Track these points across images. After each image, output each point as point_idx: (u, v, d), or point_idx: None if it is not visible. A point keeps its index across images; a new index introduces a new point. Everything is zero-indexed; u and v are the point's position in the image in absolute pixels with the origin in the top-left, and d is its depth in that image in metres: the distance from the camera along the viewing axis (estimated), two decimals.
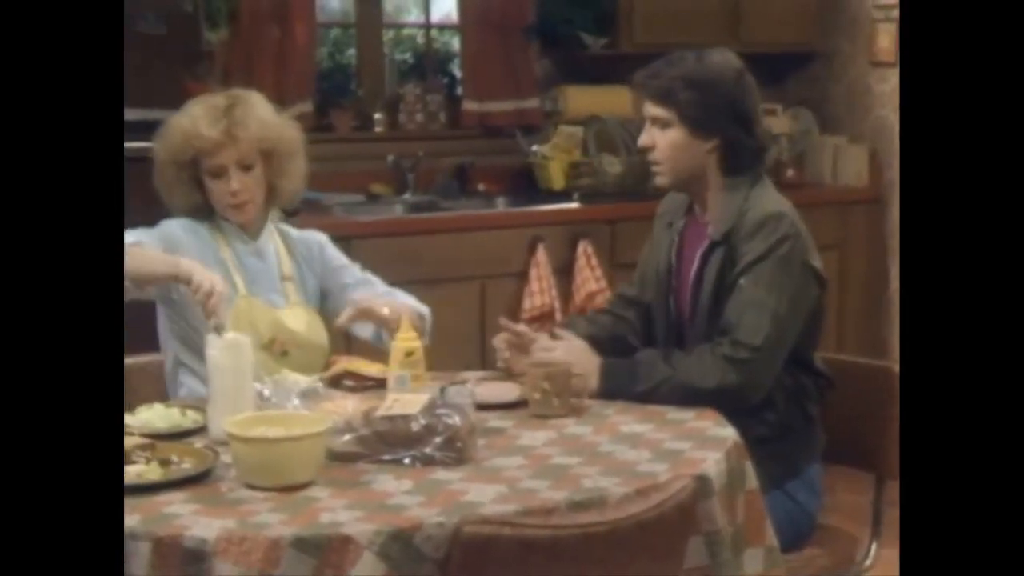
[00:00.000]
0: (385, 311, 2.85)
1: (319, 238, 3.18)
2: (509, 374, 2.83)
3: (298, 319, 2.99)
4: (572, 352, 2.77)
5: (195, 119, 2.92)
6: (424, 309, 3.08)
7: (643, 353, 2.81)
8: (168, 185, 2.99)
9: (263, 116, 2.98)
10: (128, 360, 2.61)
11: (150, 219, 3.02)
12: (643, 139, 2.83)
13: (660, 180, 2.84)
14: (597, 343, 2.83)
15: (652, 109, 2.79)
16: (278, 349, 2.88)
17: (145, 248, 2.80)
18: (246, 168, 2.94)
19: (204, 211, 3.01)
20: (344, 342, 3.99)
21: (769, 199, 2.78)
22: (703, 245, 2.80)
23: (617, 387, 2.68)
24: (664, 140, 2.78)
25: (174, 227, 2.98)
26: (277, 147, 2.99)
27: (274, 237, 3.07)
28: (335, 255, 3.18)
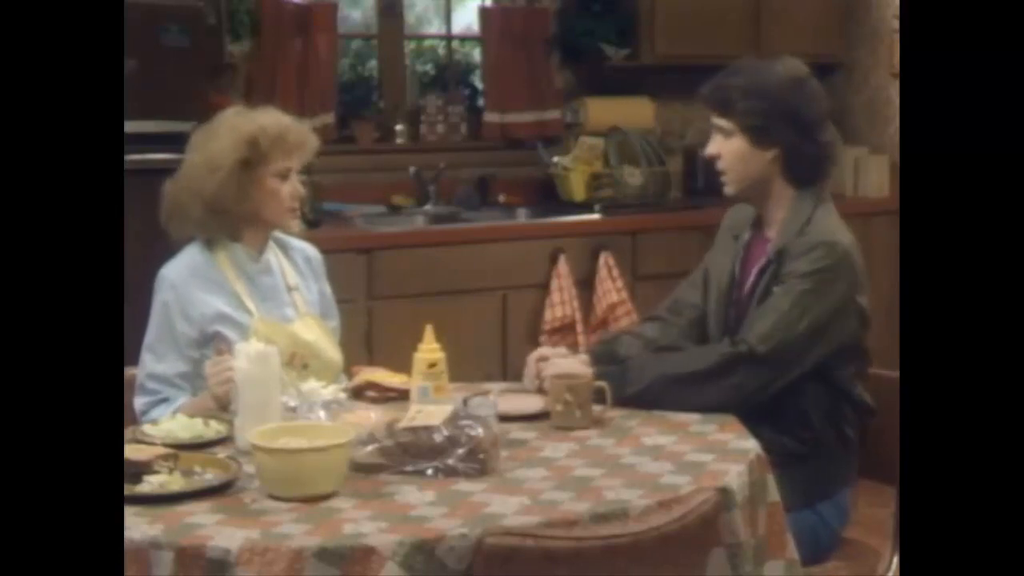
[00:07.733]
0: None
1: (315, 251, 3.20)
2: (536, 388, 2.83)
3: (310, 330, 3.00)
4: (567, 364, 2.78)
5: (278, 118, 2.95)
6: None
7: (634, 358, 2.82)
8: (234, 187, 2.90)
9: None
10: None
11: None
12: (709, 148, 2.86)
13: (727, 189, 2.86)
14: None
15: (715, 119, 2.82)
16: (299, 363, 2.88)
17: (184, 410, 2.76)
18: (299, 175, 3.01)
19: (243, 222, 2.98)
20: (367, 354, 4.00)
21: (831, 225, 2.79)
22: (762, 261, 2.80)
23: (612, 392, 2.67)
24: (727, 149, 2.81)
25: (175, 279, 2.93)
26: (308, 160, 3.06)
27: (274, 249, 3.08)
28: (323, 273, 3.18)
